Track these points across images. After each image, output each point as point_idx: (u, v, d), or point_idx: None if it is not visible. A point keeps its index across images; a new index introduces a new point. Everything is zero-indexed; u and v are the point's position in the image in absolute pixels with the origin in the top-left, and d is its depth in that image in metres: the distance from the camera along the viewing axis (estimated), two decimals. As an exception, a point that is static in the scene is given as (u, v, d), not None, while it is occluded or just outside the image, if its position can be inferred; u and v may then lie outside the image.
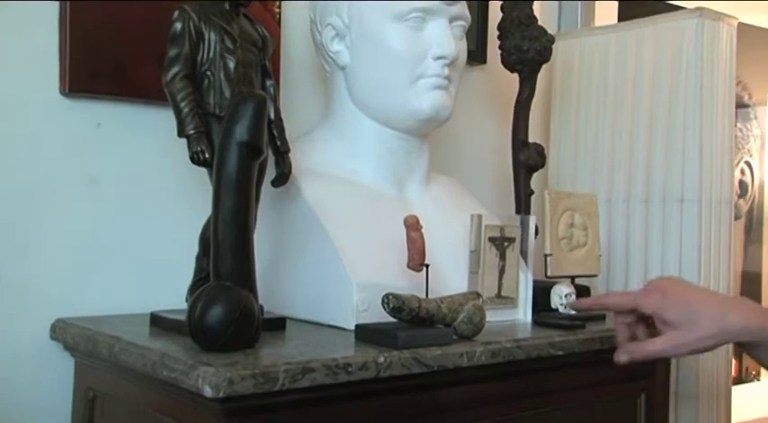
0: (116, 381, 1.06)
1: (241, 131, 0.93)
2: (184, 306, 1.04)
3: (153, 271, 1.29)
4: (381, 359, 0.95)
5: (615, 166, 1.61)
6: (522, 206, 1.50)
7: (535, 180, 1.55)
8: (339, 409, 0.95)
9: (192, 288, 1.09)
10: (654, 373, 1.35)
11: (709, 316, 0.97)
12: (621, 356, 1.04)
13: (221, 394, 0.83)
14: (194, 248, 1.10)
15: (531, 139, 1.53)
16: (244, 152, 0.93)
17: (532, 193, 1.53)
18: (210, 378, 0.83)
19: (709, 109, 1.50)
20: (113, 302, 1.24)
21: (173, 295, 1.15)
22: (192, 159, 1.03)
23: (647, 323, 1.06)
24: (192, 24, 1.04)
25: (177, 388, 0.89)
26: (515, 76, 1.53)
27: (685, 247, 1.50)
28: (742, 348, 1.02)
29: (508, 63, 1.50)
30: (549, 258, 1.29)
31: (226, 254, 0.94)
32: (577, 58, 1.70)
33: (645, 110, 1.58)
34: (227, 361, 0.87)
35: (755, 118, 2.66)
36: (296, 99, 1.43)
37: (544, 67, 1.51)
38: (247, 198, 0.94)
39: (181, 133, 1.04)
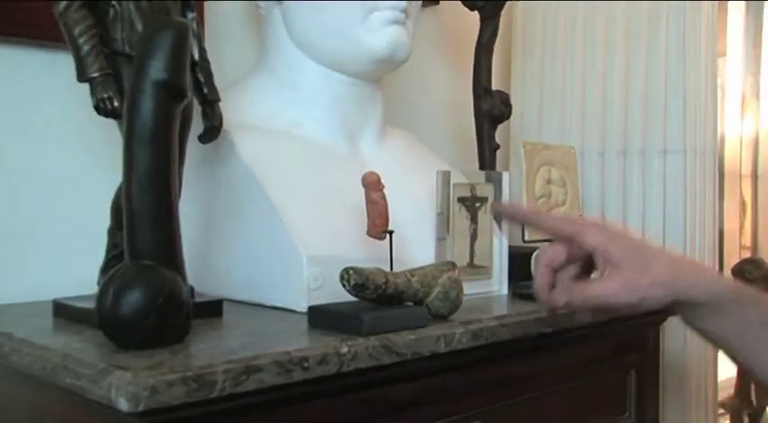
0: (8, 387, 0.85)
1: (157, 68, 0.73)
2: (96, 290, 0.84)
3: (56, 249, 1.09)
4: (344, 349, 0.77)
5: (587, 116, 1.44)
6: (487, 162, 1.34)
7: (498, 133, 1.38)
8: (293, 413, 0.77)
9: (105, 268, 0.90)
10: (645, 344, 1.20)
11: (661, 260, 0.80)
12: (560, 297, 0.82)
13: (141, 407, 0.63)
14: (106, 220, 0.90)
15: (492, 86, 1.36)
16: (162, 94, 0.73)
17: (498, 147, 1.36)
18: (126, 387, 0.63)
19: (693, 53, 1.34)
20: (7, 289, 1.02)
21: (82, 278, 0.94)
22: (98, 109, 0.83)
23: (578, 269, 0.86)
24: (89, -63, 0.84)
25: (84, 398, 0.69)
26: (473, 16, 1.36)
27: (669, 201, 1.35)
28: (683, 314, 0.85)
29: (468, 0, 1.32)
30: (526, 220, 1.12)
31: (143, 225, 0.74)
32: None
33: (620, 53, 1.41)
34: (148, 362, 0.67)
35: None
36: (223, 42, 1.22)
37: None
38: (168, 153, 0.74)
39: (81, 77, 0.83)
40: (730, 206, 2.56)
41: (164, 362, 0.68)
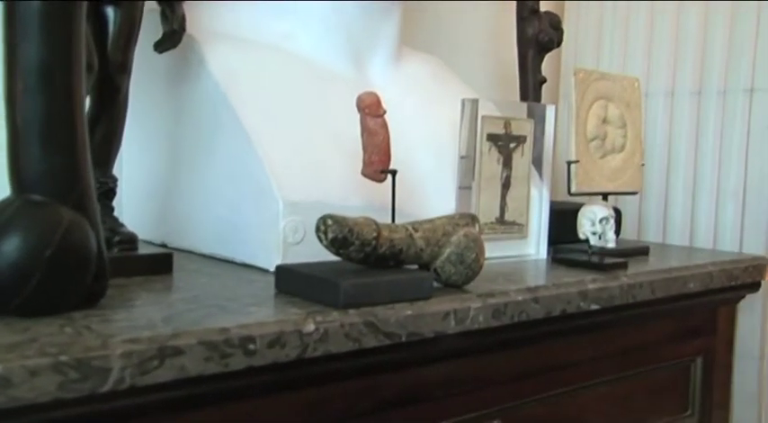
0: None
1: None
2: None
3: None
4: (310, 327, 0.56)
5: (655, 49, 1.20)
6: (531, 98, 1.10)
7: (545, 64, 1.14)
8: (230, 416, 0.56)
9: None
10: (714, 327, 0.97)
11: None
12: None
13: (-16, 407, 0.43)
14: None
15: (542, 8, 1.12)
16: (56, -40, 0.52)
17: (544, 80, 1.12)
18: (-36, 375, 0.43)
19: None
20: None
21: None
22: None
23: None
24: None
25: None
26: None
27: (754, 150, 1.09)
28: None
29: None
30: (573, 167, 0.89)
31: (31, 144, 0.53)
32: None
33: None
34: (17, 338, 0.47)
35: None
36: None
37: None
38: (69, 42, 0.53)
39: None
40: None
41: (38, 338, 0.47)
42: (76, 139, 0.54)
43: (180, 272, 0.72)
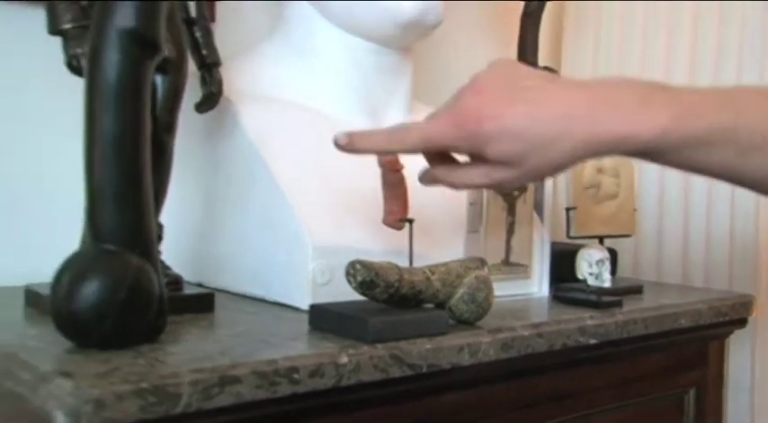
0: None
1: (125, 14, 0.60)
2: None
3: (33, 228, 0.98)
4: (344, 359, 0.64)
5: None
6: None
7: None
8: (279, 435, 0.64)
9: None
10: (706, 360, 1.05)
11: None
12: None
13: (81, 425, 0.51)
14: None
15: (540, 62, 1.22)
16: (130, 46, 0.61)
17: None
18: (66, 398, 0.51)
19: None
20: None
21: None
22: (70, 66, 0.73)
23: None
24: None
25: (26, 409, 0.57)
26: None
27: (740, 195, 1.17)
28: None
29: (514, -36, 1.18)
30: (571, 213, 0.98)
31: (105, 201, 0.61)
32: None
33: (686, 32, 1.25)
34: (101, 368, 0.55)
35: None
36: (232, 7, 1.09)
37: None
38: (137, 116, 0.62)
39: (53, 28, 0.72)
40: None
41: (119, 368, 0.56)
42: (142, 197, 0.63)
43: (220, 310, 0.80)
